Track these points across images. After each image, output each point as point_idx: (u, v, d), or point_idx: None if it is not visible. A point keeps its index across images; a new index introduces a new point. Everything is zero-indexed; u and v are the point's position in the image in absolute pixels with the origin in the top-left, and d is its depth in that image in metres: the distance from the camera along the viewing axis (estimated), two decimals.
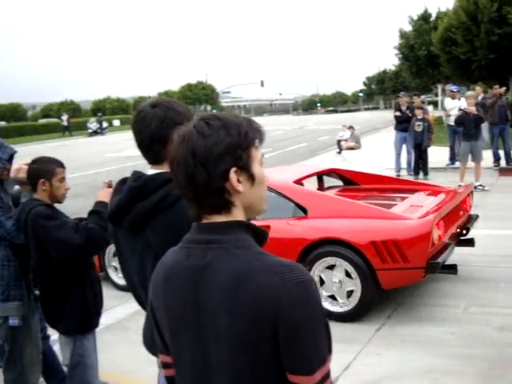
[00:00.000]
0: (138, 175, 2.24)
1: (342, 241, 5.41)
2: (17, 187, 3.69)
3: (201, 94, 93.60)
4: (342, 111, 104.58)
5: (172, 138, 1.52)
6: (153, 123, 2.15)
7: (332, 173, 7.78)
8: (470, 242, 6.31)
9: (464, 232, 6.12)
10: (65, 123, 48.54)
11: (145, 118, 2.18)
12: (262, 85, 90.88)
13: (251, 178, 1.49)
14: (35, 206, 3.32)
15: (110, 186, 3.47)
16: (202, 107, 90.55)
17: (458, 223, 6.12)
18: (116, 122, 60.92)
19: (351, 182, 7.60)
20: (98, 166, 21.45)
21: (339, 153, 21.03)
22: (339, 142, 21.79)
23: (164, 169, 2.22)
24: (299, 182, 6.48)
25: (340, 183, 7.80)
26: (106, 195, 3.42)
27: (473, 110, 11.70)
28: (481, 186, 11.58)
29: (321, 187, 7.76)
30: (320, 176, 7.78)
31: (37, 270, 3.53)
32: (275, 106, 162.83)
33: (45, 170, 3.45)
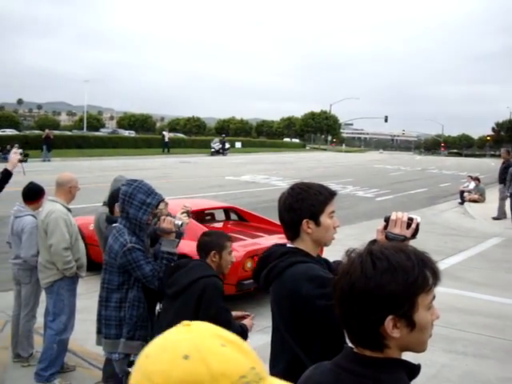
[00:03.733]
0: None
1: (184, 254, 6.34)
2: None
3: (323, 123, 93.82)
4: (467, 155, 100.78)
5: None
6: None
7: (231, 210, 10.07)
8: None
9: None
10: (166, 139, 48.81)
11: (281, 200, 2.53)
12: (386, 120, 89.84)
13: (411, 325, 1.42)
14: (212, 276, 3.51)
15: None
16: (322, 136, 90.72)
17: None
18: (238, 144, 62.27)
19: (244, 218, 9.76)
20: (217, 188, 22.02)
21: (461, 203, 20.25)
22: (462, 192, 20.98)
23: (300, 245, 2.46)
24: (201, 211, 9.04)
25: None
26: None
27: None
28: None
29: (227, 218, 9.93)
30: (226, 210, 10.07)
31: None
32: (397, 142, 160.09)
33: (216, 243, 3.70)
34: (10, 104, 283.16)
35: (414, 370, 1.53)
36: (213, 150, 49.19)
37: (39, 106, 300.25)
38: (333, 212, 2.48)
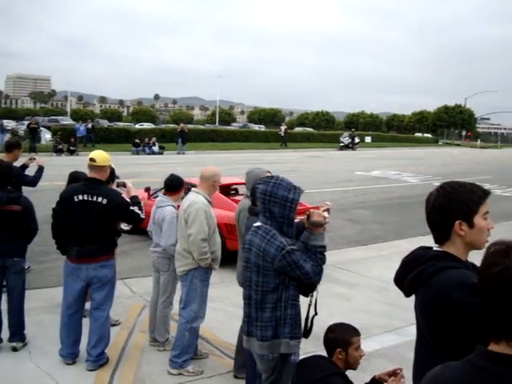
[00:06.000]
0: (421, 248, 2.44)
1: None
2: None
3: (457, 117, 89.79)
4: None
5: None
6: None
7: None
8: None
9: None
10: (282, 133, 48.30)
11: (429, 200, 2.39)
12: None
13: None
14: (332, 375, 3.37)
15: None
16: (456, 131, 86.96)
17: None
18: (368, 139, 61.28)
19: None
20: (346, 183, 21.80)
21: None
22: None
23: (449, 249, 2.32)
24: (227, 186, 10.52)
25: None
26: None
27: None
28: None
29: None
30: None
31: None
32: None
33: (341, 339, 3.56)
34: (147, 99, 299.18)
35: None
36: (342, 144, 48.83)
37: (174, 101, 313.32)
38: (487, 213, 2.31)
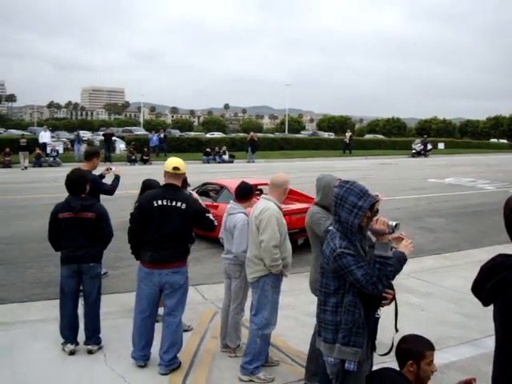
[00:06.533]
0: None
1: None
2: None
3: None
4: None
5: None
6: None
7: None
8: None
9: None
10: (346, 140, 47.62)
11: None
12: None
13: None
14: None
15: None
16: None
17: None
18: (441, 145, 59.80)
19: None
20: (419, 190, 21.31)
21: None
22: None
23: None
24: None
25: None
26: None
27: None
28: None
29: None
30: None
31: None
32: None
33: (415, 351, 3.46)
34: (217, 109, 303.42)
35: None
36: (414, 151, 47.84)
37: (244, 110, 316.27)
38: None
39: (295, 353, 6.03)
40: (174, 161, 5.60)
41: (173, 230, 5.41)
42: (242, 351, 5.75)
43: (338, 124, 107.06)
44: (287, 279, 5.72)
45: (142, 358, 5.61)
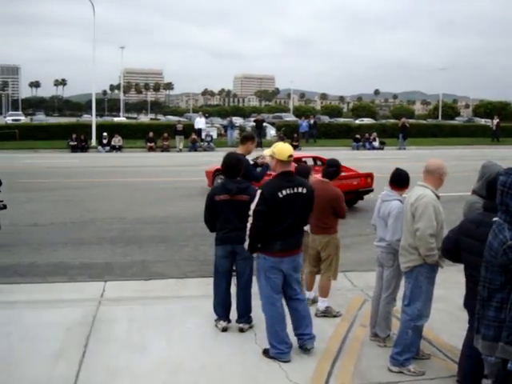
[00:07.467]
0: None
1: None
2: None
3: None
4: None
5: None
6: None
7: (317, 158, 16.04)
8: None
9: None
10: (493, 127, 43.76)
11: None
12: None
13: None
14: None
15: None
16: None
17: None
18: None
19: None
20: None
21: None
22: None
23: None
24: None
25: None
26: None
27: None
28: None
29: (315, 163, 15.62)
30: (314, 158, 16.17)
31: None
32: None
33: None
34: (367, 95, 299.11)
35: None
36: None
37: (394, 96, 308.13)
38: None
39: (447, 347, 5.81)
40: (287, 148, 5.59)
41: (298, 215, 5.46)
42: (391, 341, 5.64)
43: (496, 110, 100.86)
44: (441, 271, 5.50)
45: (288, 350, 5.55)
